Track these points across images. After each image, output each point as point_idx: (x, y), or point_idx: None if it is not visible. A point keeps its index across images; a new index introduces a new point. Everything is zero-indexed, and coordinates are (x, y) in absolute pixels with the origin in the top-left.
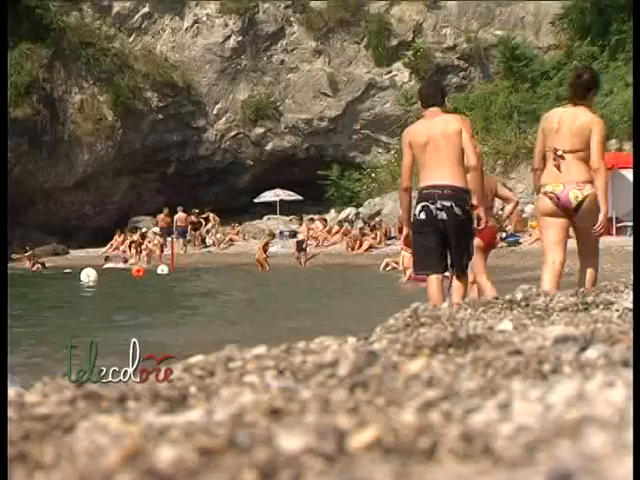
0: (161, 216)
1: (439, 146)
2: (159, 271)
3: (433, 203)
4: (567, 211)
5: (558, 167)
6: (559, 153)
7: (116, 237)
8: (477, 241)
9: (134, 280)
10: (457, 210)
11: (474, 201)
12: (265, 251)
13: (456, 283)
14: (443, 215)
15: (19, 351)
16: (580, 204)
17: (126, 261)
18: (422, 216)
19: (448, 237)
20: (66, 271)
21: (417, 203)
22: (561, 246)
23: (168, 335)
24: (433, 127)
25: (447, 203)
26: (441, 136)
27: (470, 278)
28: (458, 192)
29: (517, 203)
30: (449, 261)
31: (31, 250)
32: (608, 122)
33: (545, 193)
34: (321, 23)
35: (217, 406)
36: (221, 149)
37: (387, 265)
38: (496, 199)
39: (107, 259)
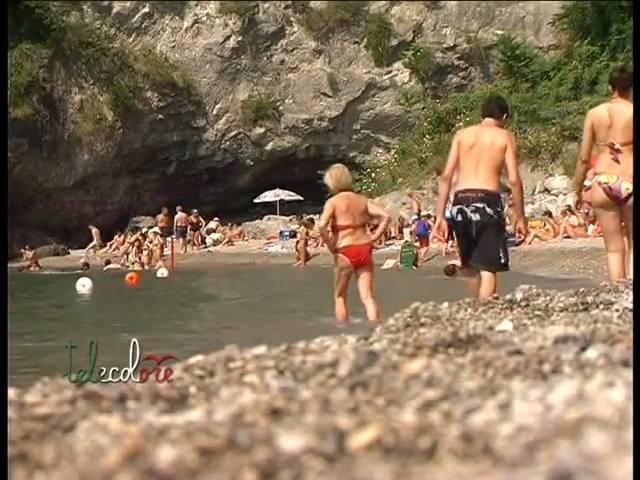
0: (160, 216)
1: (482, 154)
2: (158, 274)
3: (467, 206)
4: (617, 200)
5: (616, 160)
6: (616, 147)
7: (116, 237)
8: (344, 260)
9: (129, 288)
10: (489, 211)
11: (514, 214)
12: (306, 242)
13: (485, 279)
14: (477, 216)
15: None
16: (629, 196)
17: (132, 264)
18: (459, 218)
19: (481, 236)
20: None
21: (453, 205)
22: (619, 234)
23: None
24: (482, 136)
25: (480, 205)
26: (487, 146)
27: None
28: (491, 195)
29: (389, 220)
30: (481, 257)
31: (30, 251)
32: None
33: (599, 184)
34: (321, 23)
35: (217, 406)
36: (221, 149)
37: (386, 265)
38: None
39: (108, 262)
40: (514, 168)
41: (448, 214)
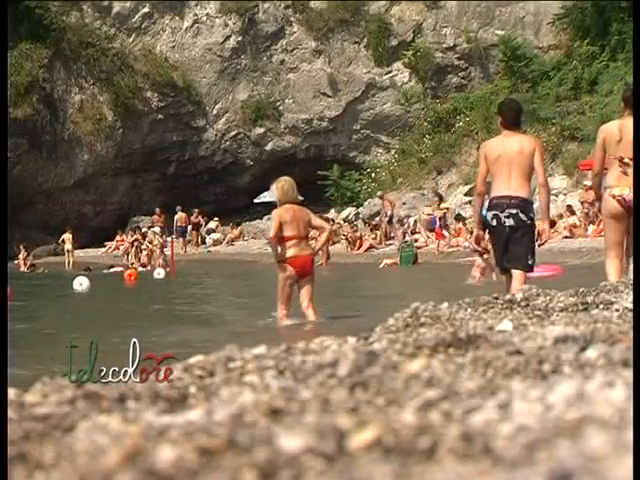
0: (155, 217)
1: (512, 161)
2: (155, 275)
3: (502, 211)
4: (629, 210)
5: (625, 172)
6: (625, 160)
7: (117, 237)
8: (290, 270)
9: (127, 286)
10: (522, 216)
11: (541, 215)
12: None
13: (515, 278)
14: (510, 221)
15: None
16: None
17: (131, 265)
18: (494, 222)
19: (513, 239)
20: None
21: (488, 210)
22: (621, 245)
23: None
24: (509, 144)
25: (514, 211)
26: (517, 154)
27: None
28: (523, 201)
29: (331, 232)
30: (512, 258)
31: (27, 250)
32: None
33: (613, 196)
34: (321, 23)
35: (217, 406)
36: (221, 149)
37: (385, 265)
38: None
39: (111, 267)
40: (543, 170)
41: (484, 215)
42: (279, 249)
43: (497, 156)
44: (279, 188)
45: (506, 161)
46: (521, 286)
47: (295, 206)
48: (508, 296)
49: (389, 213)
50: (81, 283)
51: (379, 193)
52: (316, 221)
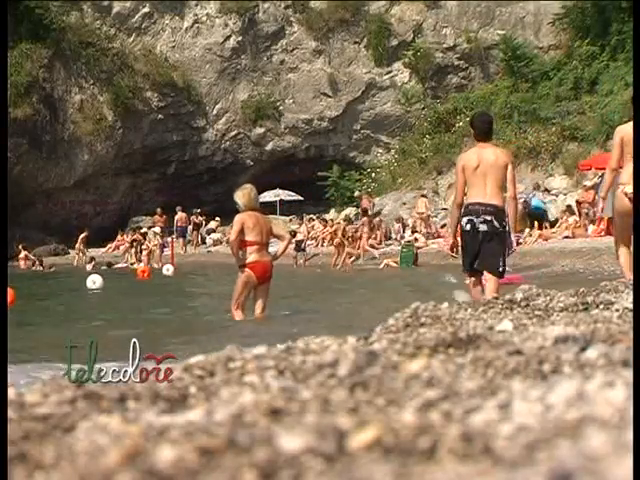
0: (156, 217)
1: (487, 172)
2: (164, 271)
3: (477, 217)
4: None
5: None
6: None
7: (118, 237)
8: (248, 273)
9: (140, 283)
10: (496, 223)
11: (511, 224)
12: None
13: (490, 280)
14: (484, 227)
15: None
16: None
17: (131, 265)
18: (467, 227)
19: (486, 245)
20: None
21: (463, 216)
22: (629, 240)
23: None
24: (485, 156)
25: (488, 217)
26: (492, 164)
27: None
28: (498, 209)
29: (290, 241)
30: (484, 263)
31: (26, 250)
32: (608, 122)
33: (626, 194)
34: (321, 23)
35: (217, 406)
36: (221, 149)
37: (386, 265)
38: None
39: (109, 265)
40: (514, 184)
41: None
42: (240, 253)
43: (475, 167)
44: (245, 195)
45: (482, 171)
46: (495, 290)
47: (258, 213)
48: (508, 296)
49: (365, 206)
50: (94, 281)
51: (357, 194)
52: (277, 230)
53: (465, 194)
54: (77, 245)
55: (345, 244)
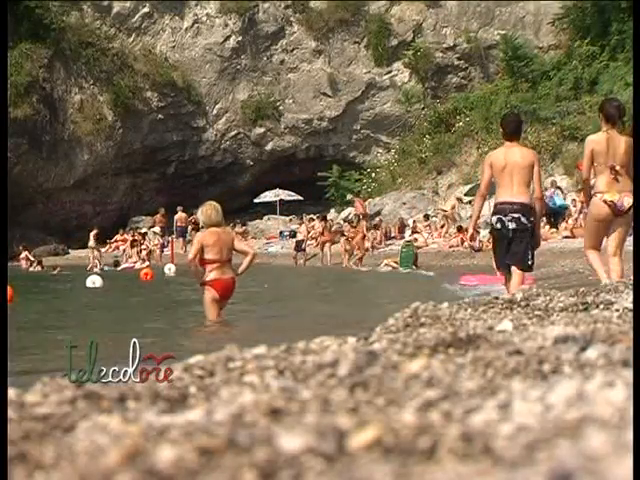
0: (158, 217)
1: (514, 171)
2: (166, 271)
3: (505, 215)
4: (619, 213)
5: (616, 179)
6: (617, 168)
7: (118, 237)
8: (212, 293)
9: (142, 284)
10: (524, 220)
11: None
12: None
13: (515, 274)
14: (513, 225)
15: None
16: (629, 209)
17: (137, 262)
18: (498, 226)
19: (515, 241)
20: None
21: (493, 214)
22: (600, 244)
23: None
24: (512, 156)
25: (516, 215)
26: (519, 164)
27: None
28: (525, 207)
29: (254, 256)
30: (513, 258)
31: (26, 250)
32: None
33: (605, 201)
34: (321, 23)
35: (217, 406)
36: (221, 149)
37: (386, 265)
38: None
39: (117, 264)
40: (539, 184)
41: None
42: (199, 271)
43: (502, 166)
44: (203, 213)
45: (509, 171)
46: (519, 284)
47: (220, 230)
48: (508, 296)
49: (359, 212)
50: (94, 282)
51: (349, 196)
52: (240, 245)
53: (486, 191)
54: (90, 243)
55: (352, 245)
